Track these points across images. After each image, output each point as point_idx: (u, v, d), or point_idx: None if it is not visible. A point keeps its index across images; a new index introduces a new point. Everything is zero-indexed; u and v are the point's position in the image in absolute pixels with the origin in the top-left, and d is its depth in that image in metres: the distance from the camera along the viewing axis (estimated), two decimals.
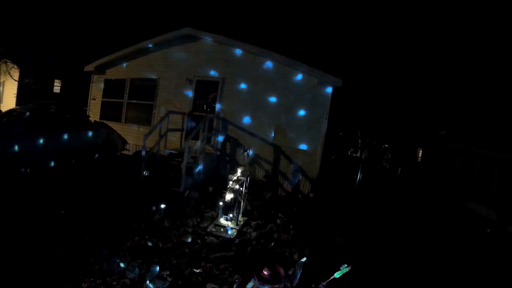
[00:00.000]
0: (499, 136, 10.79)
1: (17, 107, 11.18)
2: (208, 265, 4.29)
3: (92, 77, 12.00)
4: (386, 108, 20.19)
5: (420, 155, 19.11)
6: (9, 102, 18.56)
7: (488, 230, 7.90)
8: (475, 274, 4.99)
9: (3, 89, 20.05)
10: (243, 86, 9.10)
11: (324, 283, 3.37)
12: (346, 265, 3.35)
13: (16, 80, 18.60)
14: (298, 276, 3.47)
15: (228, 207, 5.91)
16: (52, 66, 20.09)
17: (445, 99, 17.67)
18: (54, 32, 19.91)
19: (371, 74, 20.18)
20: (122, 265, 4.02)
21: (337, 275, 3.23)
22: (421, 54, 20.44)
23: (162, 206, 6.00)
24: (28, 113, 7.15)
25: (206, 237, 5.24)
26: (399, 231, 6.55)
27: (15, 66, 18.54)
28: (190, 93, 9.76)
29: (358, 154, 23.22)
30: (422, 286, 4.44)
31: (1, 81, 19.81)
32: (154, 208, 6.00)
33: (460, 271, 5.07)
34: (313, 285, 3.40)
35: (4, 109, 13.04)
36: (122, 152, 9.98)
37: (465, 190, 10.93)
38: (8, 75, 18.36)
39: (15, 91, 18.82)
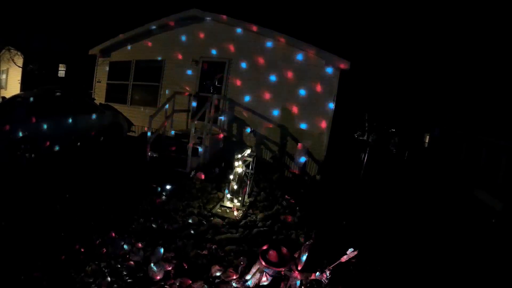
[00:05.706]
0: (507, 124, 10.52)
1: (21, 92, 11.17)
2: (213, 247, 4.25)
3: (97, 60, 11.91)
4: (395, 92, 19.84)
5: (427, 141, 18.90)
6: (14, 88, 18.61)
7: (493, 221, 7.74)
8: (479, 263, 4.86)
9: (7, 76, 20.11)
10: (249, 67, 8.93)
11: (330, 267, 3.31)
12: (352, 249, 3.28)
13: (20, 67, 18.56)
14: (304, 259, 3.41)
15: (234, 188, 5.85)
16: (56, 51, 19.99)
17: (453, 87, 17.25)
18: (58, 17, 19.70)
19: (380, 56, 19.72)
20: (126, 247, 3.99)
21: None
22: (432, 37, 19.88)
23: (168, 187, 5.97)
24: (32, 98, 7.10)
25: (212, 218, 5.20)
26: (405, 216, 6.44)
27: (19, 53, 18.49)
28: (196, 74, 9.63)
29: (365, 137, 22.99)
30: (426, 273, 4.35)
31: (5, 68, 19.81)
32: (159, 189, 5.97)
33: (465, 257, 4.96)
34: (318, 268, 3.34)
35: (8, 96, 13.06)
36: (128, 134, 9.95)
37: (471, 177, 10.74)
38: (12, 62, 18.33)
39: (19, 78, 18.83)
